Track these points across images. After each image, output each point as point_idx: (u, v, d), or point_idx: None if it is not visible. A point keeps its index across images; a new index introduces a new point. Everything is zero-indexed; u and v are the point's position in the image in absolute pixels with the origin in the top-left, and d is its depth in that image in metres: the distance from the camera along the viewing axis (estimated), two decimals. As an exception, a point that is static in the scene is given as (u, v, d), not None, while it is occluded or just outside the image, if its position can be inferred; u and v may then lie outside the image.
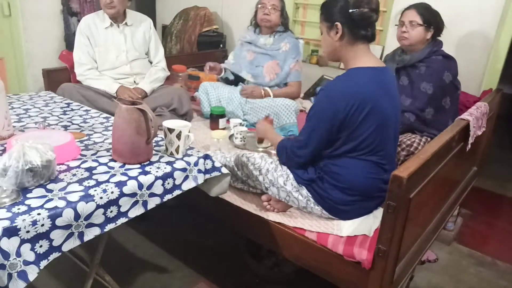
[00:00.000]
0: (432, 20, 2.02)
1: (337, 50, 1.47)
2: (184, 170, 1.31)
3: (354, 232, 1.43)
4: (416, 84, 2.02)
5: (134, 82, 2.44)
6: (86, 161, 1.28)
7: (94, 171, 1.22)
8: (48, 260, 1.01)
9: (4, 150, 1.31)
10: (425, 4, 2.07)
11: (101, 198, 1.09)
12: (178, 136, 1.33)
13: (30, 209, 0.99)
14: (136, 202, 1.19)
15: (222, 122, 2.34)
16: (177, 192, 1.30)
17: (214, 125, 2.35)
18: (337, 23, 1.42)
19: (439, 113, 2.01)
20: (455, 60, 2.06)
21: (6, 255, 0.91)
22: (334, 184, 1.46)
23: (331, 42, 1.47)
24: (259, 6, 2.49)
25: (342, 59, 1.50)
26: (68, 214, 1.02)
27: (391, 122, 1.46)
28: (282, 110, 2.32)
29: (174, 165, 1.30)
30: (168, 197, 1.28)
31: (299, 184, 1.52)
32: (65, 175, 1.18)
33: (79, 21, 2.43)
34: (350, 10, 1.39)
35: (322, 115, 1.41)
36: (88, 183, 1.14)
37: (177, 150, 1.35)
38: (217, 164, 1.42)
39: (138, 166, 1.27)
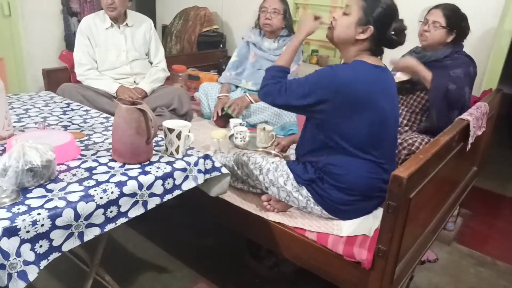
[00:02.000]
0: (457, 25, 1.98)
1: (347, 43, 1.44)
2: (184, 170, 1.31)
3: (354, 232, 1.43)
4: (445, 74, 1.96)
5: (134, 82, 2.44)
6: (86, 161, 1.28)
7: (94, 171, 1.22)
8: (48, 260, 1.01)
9: (4, 150, 1.31)
10: (454, 6, 2.02)
11: (101, 198, 1.09)
12: (178, 136, 1.33)
13: (30, 209, 0.99)
14: (136, 202, 1.19)
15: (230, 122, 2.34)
16: (177, 192, 1.30)
17: (221, 123, 2.35)
18: (371, 27, 1.39)
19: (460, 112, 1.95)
20: (475, 63, 2.04)
21: (6, 255, 0.91)
22: (334, 184, 1.46)
23: (349, 33, 1.42)
24: (261, 10, 2.46)
25: (345, 52, 1.48)
26: (68, 214, 1.02)
27: (390, 122, 1.46)
28: (282, 109, 2.32)
29: (174, 165, 1.30)
30: (168, 197, 1.28)
31: (299, 184, 1.52)
32: (65, 175, 1.18)
33: (79, 21, 2.44)
34: (392, 32, 1.39)
35: (323, 80, 1.39)
36: (88, 183, 1.14)
37: (177, 150, 1.36)
38: (217, 164, 1.42)
39: (138, 166, 1.27)
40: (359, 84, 1.37)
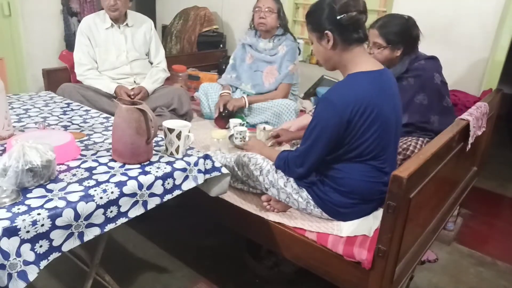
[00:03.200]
0: (399, 39, 1.84)
1: (332, 58, 1.42)
2: (184, 170, 1.31)
3: (354, 232, 1.43)
4: (409, 97, 1.90)
5: (134, 82, 2.44)
6: (86, 161, 1.28)
7: (94, 171, 1.22)
8: (48, 260, 1.01)
9: (4, 150, 1.31)
10: (390, 19, 1.89)
11: (101, 198, 1.09)
12: (178, 136, 1.33)
13: (30, 209, 0.99)
14: (136, 202, 1.19)
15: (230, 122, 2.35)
16: (177, 192, 1.30)
17: (221, 124, 2.35)
18: (326, 31, 1.37)
19: (445, 115, 1.92)
20: (437, 58, 1.96)
21: (6, 255, 0.91)
22: (334, 188, 1.46)
23: (324, 52, 1.41)
24: (255, 10, 2.46)
25: (339, 67, 1.44)
26: (68, 214, 1.02)
27: (392, 125, 1.44)
28: (283, 110, 2.32)
29: (174, 165, 1.30)
30: (168, 197, 1.28)
31: (299, 187, 1.52)
32: (65, 175, 1.18)
33: (79, 21, 2.45)
34: (338, 17, 1.34)
35: (326, 126, 1.37)
36: (88, 183, 1.14)
37: (177, 150, 1.35)
38: (217, 164, 1.42)
39: (138, 166, 1.27)
40: (361, 101, 1.33)
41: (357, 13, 1.34)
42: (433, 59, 1.95)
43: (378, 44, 1.87)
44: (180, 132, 1.33)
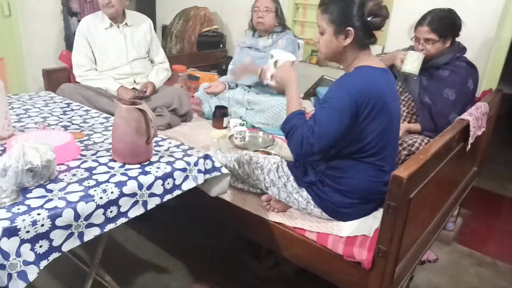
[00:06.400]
0: (447, 30, 1.95)
1: (340, 53, 1.40)
2: (184, 170, 1.31)
3: (354, 232, 1.43)
4: (438, 89, 1.98)
5: (134, 82, 2.44)
6: (86, 161, 1.28)
7: (94, 171, 1.22)
8: (48, 260, 1.01)
9: (4, 150, 1.31)
10: (437, 13, 1.96)
11: (101, 198, 1.09)
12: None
13: (30, 209, 0.99)
14: (136, 202, 1.19)
15: (226, 120, 2.35)
16: (177, 192, 1.30)
17: (218, 124, 2.36)
18: (349, 28, 1.34)
19: None
20: (477, 69, 2.04)
21: (6, 255, 0.91)
22: (334, 187, 1.46)
23: (335, 46, 1.38)
24: (254, 9, 2.51)
25: (342, 62, 1.44)
26: (68, 214, 1.02)
27: (395, 123, 1.45)
28: (282, 109, 2.32)
29: (174, 165, 1.30)
30: (168, 197, 1.28)
31: (300, 186, 1.52)
32: (65, 175, 1.18)
33: (79, 21, 2.44)
34: (368, 18, 1.33)
35: (339, 104, 1.31)
36: (88, 183, 1.14)
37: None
38: (217, 164, 1.42)
39: (138, 166, 1.27)
40: (371, 91, 1.32)
41: (382, 19, 1.35)
42: (473, 67, 2.03)
43: (432, 40, 1.96)
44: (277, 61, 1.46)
